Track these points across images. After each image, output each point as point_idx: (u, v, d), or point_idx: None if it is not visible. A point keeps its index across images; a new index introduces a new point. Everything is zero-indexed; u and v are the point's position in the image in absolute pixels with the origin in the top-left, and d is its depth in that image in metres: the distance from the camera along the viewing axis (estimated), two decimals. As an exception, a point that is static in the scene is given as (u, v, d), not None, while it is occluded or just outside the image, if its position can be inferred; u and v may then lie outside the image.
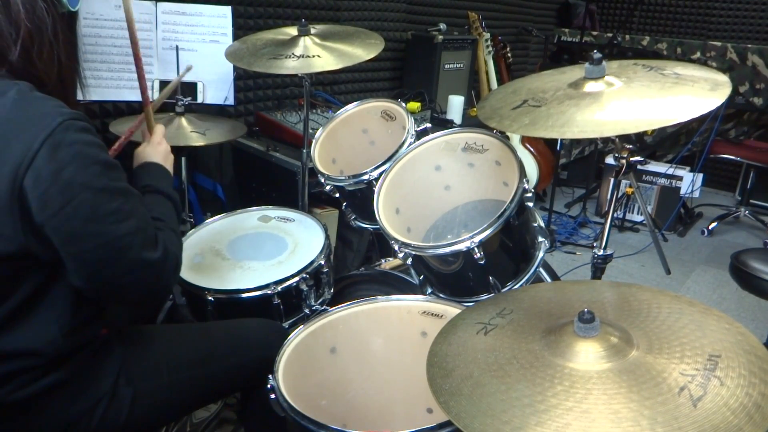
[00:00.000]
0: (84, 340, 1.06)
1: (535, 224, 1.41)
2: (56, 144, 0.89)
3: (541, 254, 1.40)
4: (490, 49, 3.61)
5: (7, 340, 0.97)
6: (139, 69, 1.39)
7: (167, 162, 1.34)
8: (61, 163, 0.89)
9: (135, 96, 1.95)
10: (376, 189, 1.46)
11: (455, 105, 2.99)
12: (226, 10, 2.00)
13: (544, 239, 1.40)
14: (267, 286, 1.46)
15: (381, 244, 2.58)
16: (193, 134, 1.90)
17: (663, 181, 3.81)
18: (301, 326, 1.26)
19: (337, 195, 1.70)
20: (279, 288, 1.47)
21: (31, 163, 0.88)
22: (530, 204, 1.32)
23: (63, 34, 1.00)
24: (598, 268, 1.35)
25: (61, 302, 1.00)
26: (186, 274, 1.51)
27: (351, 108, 1.80)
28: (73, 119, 0.92)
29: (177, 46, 1.94)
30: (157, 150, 1.34)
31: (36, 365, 1.00)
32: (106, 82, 1.90)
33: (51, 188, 0.89)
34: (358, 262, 2.54)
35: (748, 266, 1.83)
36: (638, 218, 3.88)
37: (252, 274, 1.53)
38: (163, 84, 1.96)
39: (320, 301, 1.61)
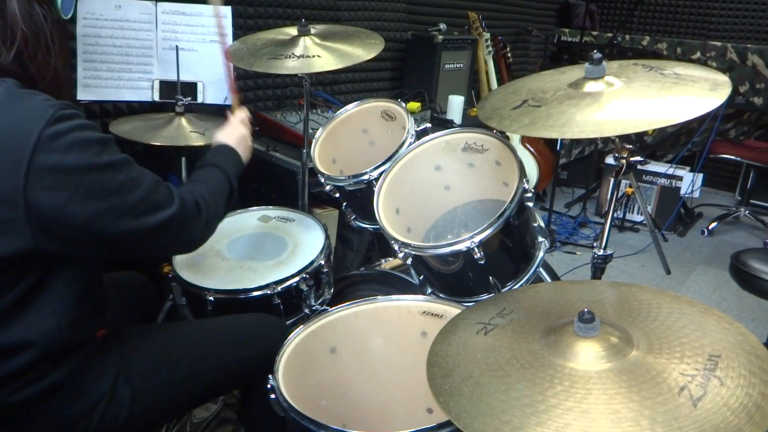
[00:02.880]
0: (81, 335, 1.06)
1: (535, 224, 1.40)
2: (52, 135, 0.90)
3: (541, 254, 1.40)
4: (490, 49, 3.61)
5: (4, 333, 0.97)
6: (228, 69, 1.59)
7: (240, 146, 1.40)
8: (61, 153, 0.90)
9: (135, 96, 1.95)
10: (376, 189, 1.46)
11: (455, 105, 2.99)
12: (226, 10, 2.00)
13: (544, 239, 1.40)
14: (267, 286, 1.46)
15: (381, 244, 2.57)
16: (193, 134, 1.90)
17: (663, 181, 3.81)
18: (301, 326, 1.26)
19: (337, 195, 1.70)
20: (279, 288, 1.47)
21: (31, 158, 0.88)
22: (530, 204, 1.32)
23: (59, 40, 1.01)
24: (598, 268, 1.34)
25: (59, 295, 1.00)
26: (186, 274, 1.51)
27: (351, 108, 1.80)
28: (62, 108, 0.93)
29: (177, 46, 1.94)
30: (232, 133, 1.42)
31: (33, 360, 0.99)
32: (106, 82, 1.90)
33: (58, 178, 0.90)
34: (358, 262, 2.54)
35: (748, 266, 1.83)
36: (638, 218, 3.87)
37: (252, 274, 1.53)
38: (164, 84, 1.96)
39: (320, 301, 1.61)
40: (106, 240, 0.98)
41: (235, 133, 1.43)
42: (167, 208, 1.04)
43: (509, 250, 1.35)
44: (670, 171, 3.77)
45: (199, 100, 2.01)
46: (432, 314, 1.30)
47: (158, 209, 1.02)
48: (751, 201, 4.09)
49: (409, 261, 1.37)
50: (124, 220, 0.97)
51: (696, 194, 3.90)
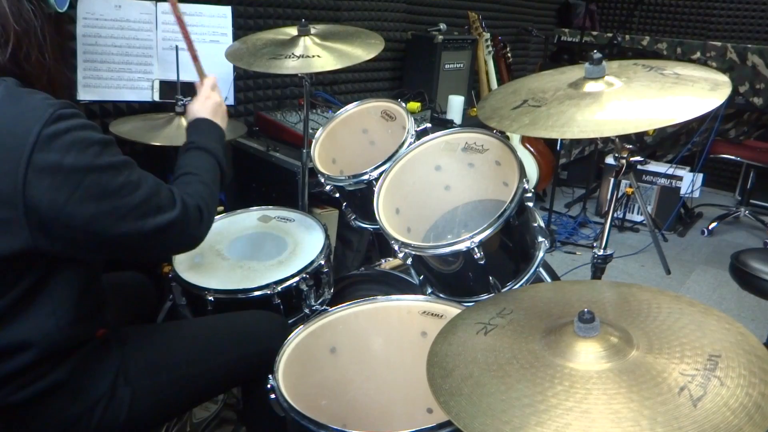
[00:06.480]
0: (81, 335, 1.06)
1: (535, 224, 1.40)
2: (51, 135, 0.90)
3: (541, 254, 1.40)
4: (490, 49, 3.61)
5: (3, 333, 0.97)
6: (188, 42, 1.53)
7: (217, 115, 1.36)
8: (60, 152, 0.90)
9: (135, 96, 1.95)
10: (376, 189, 1.46)
11: (455, 105, 2.99)
12: (226, 10, 2.00)
13: (544, 239, 1.40)
14: (267, 286, 1.46)
15: (381, 244, 2.58)
16: (193, 134, 1.90)
17: (663, 181, 3.81)
18: (301, 326, 1.26)
19: (337, 195, 1.70)
20: (279, 288, 1.47)
21: (30, 157, 0.88)
22: (530, 204, 1.32)
23: (51, 36, 1.00)
24: (598, 268, 1.34)
25: (59, 295, 1.00)
26: (186, 274, 1.51)
27: (351, 108, 1.80)
28: (62, 107, 0.93)
29: (177, 46, 1.93)
30: (205, 105, 1.37)
31: (32, 361, 0.99)
32: (106, 82, 1.90)
33: (57, 178, 0.89)
34: (358, 262, 2.54)
35: (748, 266, 1.83)
36: (638, 218, 3.87)
37: (252, 274, 1.53)
38: (164, 84, 1.97)
39: (320, 301, 1.61)
40: (105, 241, 0.98)
41: (209, 104, 1.38)
42: (168, 211, 1.03)
43: (509, 250, 1.35)
44: (670, 171, 3.77)
45: (199, 100, 2.00)
46: (432, 314, 1.30)
47: (159, 212, 1.02)
48: (751, 201, 4.09)
49: (409, 261, 1.37)
50: (123, 223, 0.97)
51: (696, 194, 3.91)
